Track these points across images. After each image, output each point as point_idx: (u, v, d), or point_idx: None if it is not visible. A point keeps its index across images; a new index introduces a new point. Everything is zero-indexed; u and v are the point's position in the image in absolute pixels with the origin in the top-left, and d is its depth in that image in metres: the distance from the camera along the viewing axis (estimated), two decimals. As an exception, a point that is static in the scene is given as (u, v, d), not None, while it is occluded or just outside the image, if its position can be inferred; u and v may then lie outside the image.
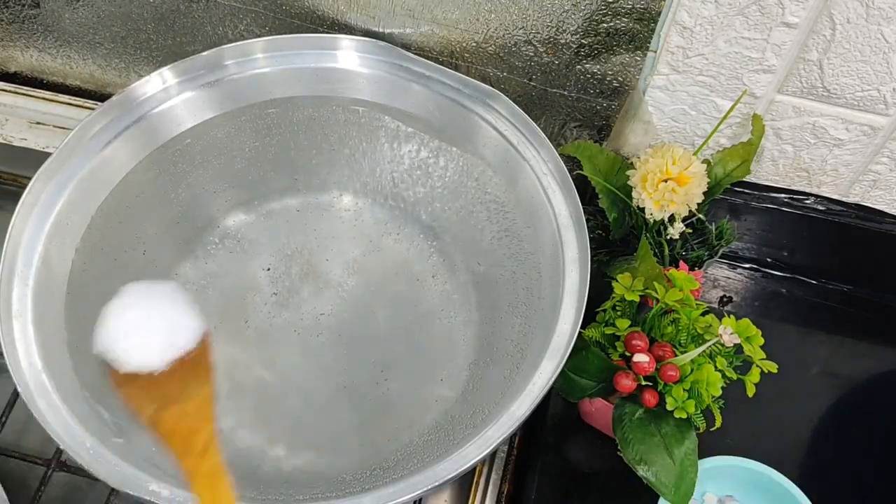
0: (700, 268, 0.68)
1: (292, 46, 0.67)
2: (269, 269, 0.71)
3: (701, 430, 0.57)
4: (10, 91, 0.83)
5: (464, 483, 0.65)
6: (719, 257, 0.69)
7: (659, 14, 0.60)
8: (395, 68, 0.67)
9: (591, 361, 0.59)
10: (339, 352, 0.68)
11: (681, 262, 0.67)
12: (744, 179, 0.68)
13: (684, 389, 0.56)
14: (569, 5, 0.61)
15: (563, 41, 0.64)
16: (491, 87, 0.64)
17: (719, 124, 0.66)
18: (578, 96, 0.68)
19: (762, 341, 0.57)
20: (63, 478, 0.65)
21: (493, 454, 0.65)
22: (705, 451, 0.58)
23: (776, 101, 0.65)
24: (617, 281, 0.60)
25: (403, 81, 0.67)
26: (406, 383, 0.67)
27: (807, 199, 0.73)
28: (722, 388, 0.56)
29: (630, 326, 0.59)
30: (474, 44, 0.67)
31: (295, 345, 0.68)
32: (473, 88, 0.65)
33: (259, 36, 0.70)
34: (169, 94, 0.65)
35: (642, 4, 0.60)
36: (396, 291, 0.71)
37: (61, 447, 0.51)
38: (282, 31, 0.71)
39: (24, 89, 0.84)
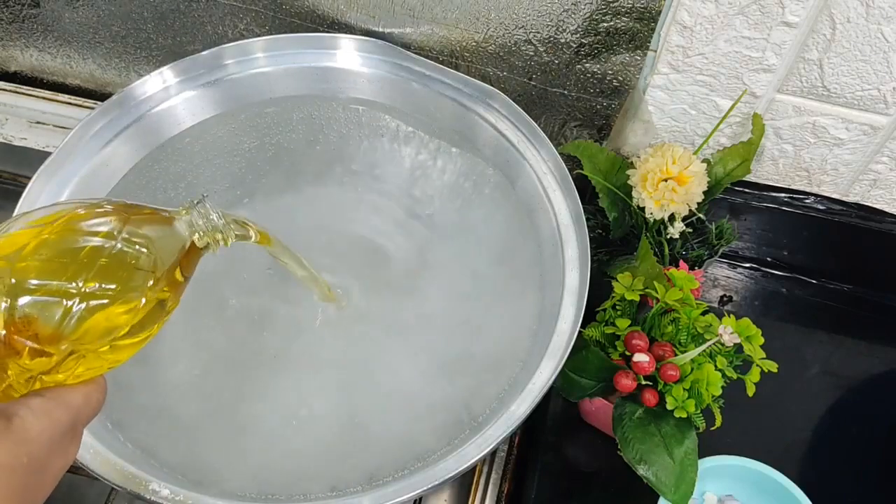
0: (700, 267, 0.68)
1: (292, 46, 0.67)
2: (269, 270, 0.71)
3: (701, 430, 0.57)
4: (10, 90, 0.83)
5: (464, 482, 0.65)
6: (719, 257, 0.69)
7: (659, 13, 0.60)
8: (395, 68, 0.67)
9: (590, 361, 0.59)
10: (340, 351, 0.68)
11: (681, 262, 0.67)
12: (744, 179, 0.68)
13: (684, 389, 0.56)
14: (569, 4, 0.61)
15: (563, 40, 0.64)
16: (491, 87, 0.64)
17: (719, 124, 0.66)
18: (578, 95, 0.68)
19: (762, 341, 0.57)
20: (63, 477, 0.65)
21: (493, 453, 0.65)
22: (705, 450, 0.58)
23: (776, 101, 0.65)
24: (617, 280, 0.60)
25: (403, 81, 0.67)
26: (407, 382, 0.67)
27: (807, 199, 0.73)
28: (722, 387, 0.56)
29: (630, 326, 0.59)
30: (474, 43, 0.67)
31: (296, 344, 0.68)
32: (473, 88, 0.65)
33: (259, 35, 0.70)
34: (169, 94, 0.65)
35: (642, 4, 0.60)
36: (397, 291, 0.71)
37: (61, 447, 0.51)
38: (282, 31, 0.71)
39: (24, 89, 0.84)
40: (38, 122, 0.83)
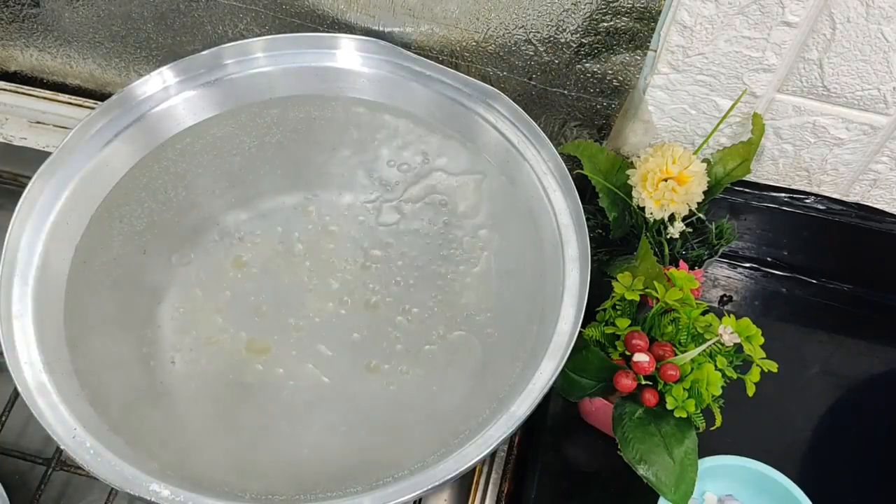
0: (700, 267, 0.68)
1: (292, 46, 0.67)
2: (268, 268, 0.71)
3: (701, 430, 0.57)
4: (10, 90, 0.83)
5: (464, 483, 0.65)
6: (719, 256, 0.69)
7: (659, 13, 0.60)
8: (395, 67, 0.67)
9: (591, 361, 0.59)
10: (342, 351, 0.68)
11: (681, 262, 0.67)
12: (744, 179, 0.68)
13: (684, 389, 0.56)
14: (569, 4, 0.61)
15: (563, 40, 0.64)
16: (491, 87, 0.64)
17: (719, 123, 0.66)
18: (578, 95, 0.68)
19: (762, 340, 0.57)
20: (63, 477, 0.66)
21: (493, 454, 0.65)
22: (705, 450, 0.58)
23: (776, 101, 0.65)
24: (617, 280, 0.60)
25: (403, 81, 0.67)
26: (407, 381, 0.67)
27: (807, 199, 0.73)
28: (722, 387, 0.56)
29: (630, 326, 0.59)
30: (474, 43, 0.67)
31: (296, 344, 0.68)
32: (473, 88, 0.65)
33: (259, 35, 0.70)
34: (168, 94, 0.65)
35: (642, 4, 0.60)
36: (397, 291, 0.71)
37: (61, 447, 0.51)
38: (282, 31, 0.71)
39: (25, 88, 0.84)
40: (38, 122, 0.83)
